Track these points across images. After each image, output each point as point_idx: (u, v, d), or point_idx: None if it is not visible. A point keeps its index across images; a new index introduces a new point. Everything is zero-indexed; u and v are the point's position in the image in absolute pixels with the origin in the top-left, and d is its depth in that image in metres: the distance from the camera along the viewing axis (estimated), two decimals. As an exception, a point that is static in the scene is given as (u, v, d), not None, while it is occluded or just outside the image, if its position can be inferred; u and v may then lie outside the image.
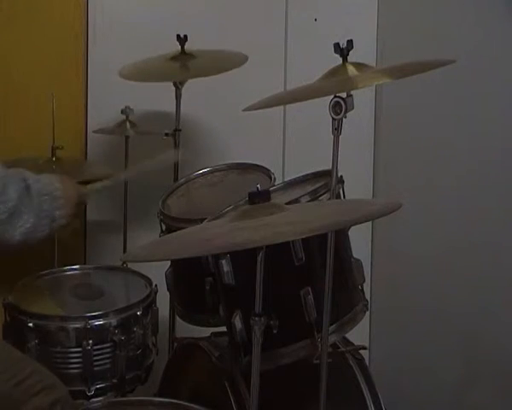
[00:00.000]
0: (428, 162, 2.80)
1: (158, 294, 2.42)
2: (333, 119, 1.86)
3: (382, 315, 2.97)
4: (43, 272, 2.51)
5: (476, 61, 2.55)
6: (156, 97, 2.78)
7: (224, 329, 2.08)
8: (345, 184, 2.05)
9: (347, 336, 2.12)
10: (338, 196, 2.00)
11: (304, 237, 1.71)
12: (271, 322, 1.82)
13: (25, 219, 1.98)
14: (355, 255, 2.05)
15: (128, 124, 2.72)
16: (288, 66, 2.98)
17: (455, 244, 2.71)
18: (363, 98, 2.80)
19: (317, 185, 2.04)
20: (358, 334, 2.13)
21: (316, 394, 1.91)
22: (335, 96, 1.85)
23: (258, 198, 1.64)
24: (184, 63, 2.56)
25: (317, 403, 1.92)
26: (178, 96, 2.64)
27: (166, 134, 2.65)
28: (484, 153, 2.59)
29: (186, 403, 2.01)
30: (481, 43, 2.57)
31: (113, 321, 2.24)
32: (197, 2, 2.94)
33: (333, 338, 1.96)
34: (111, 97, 2.79)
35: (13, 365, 1.97)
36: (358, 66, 1.90)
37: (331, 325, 1.91)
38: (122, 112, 2.71)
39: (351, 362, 2.18)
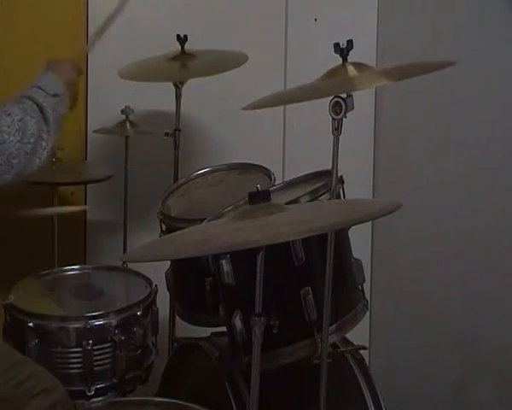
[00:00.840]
0: (428, 162, 2.80)
1: (158, 294, 2.42)
2: (333, 119, 1.86)
3: (382, 315, 2.97)
4: (43, 272, 2.51)
5: (476, 62, 2.55)
6: (156, 97, 2.78)
7: (224, 329, 2.08)
8: (345, 184, 2.05)
9: (347, 336, 2.12)
10: (338, 196, 2.00)
11: (304, 237, 1.71)
12: (271, 322, 1.82)
13: (46, 141, 1.99)
14: (355, 255, 2.04)
15: (128, 124, 2.72)
16: (288, 66, 2.98)
17: (455, 244, 2.71)
18: (363, 98, 2.79)
19: (317, 185, 2.04)
20: (358, 334, 2.13)
21: (316, 394, 1.91)
22: (335, 96, 1.85)
23: (258, 198, 1.64)
24: (184, 63, 2.56)
25: (317, 403, 1.92)
26: (178, 96, 2.64)
27: (166, 134, 2.65)
28: (484, 153, 2.59)
29: (186, 403, 2.01)
30: (481, 43, 2.57)
31: (113, 321, 2.24)
32: (197, 2, 2.94)
33: (333, 338, 1.96)
34: (111, 97, 2.79)
35: (12, 366, 1.97)
36: (358, 66, 1.90)
37: (331, 325, 1.91)
38: (122, 112, 2.71)
39: (351, 362, 2.18)
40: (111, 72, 2.60)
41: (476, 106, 2.60)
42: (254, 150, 2.81)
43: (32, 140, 1.96)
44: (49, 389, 1.95)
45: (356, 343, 2.22)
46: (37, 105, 2.00)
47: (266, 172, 2.40)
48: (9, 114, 1.95)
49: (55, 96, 2.06)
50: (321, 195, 2.01)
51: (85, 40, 2.88)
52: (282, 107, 2.94)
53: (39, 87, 2.05)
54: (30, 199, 2.66)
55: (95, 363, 2.22)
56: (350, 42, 1.88)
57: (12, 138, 1.93)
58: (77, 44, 2.86)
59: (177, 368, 2.33)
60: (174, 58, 2.56)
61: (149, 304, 2.36)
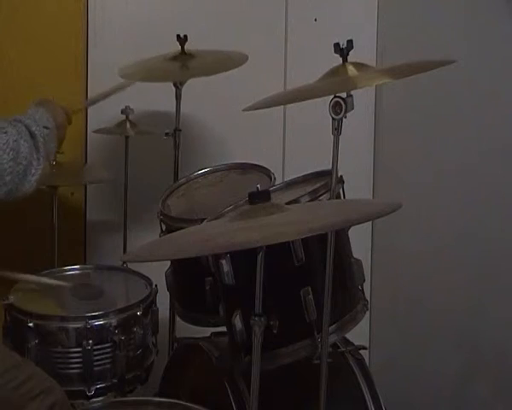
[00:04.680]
0: (428, 162, 2.80)
1: (158, 294, 2.42)
2: (333, 119, 1.86)
3: (382, 315, 2.97)
4: (43, 272, 2.50)
5: (476, 61, 2.55)
6: (156, 97, 2.78)
7: (224, 329, 2.08)
8: (345, 184, 2.05)
9: (347, 336, 2.12)
10: (338, 196, 2.00)
11: (304, 237, 1.71)
12: (271, 322, 1.82)
13: (35, 168, 2.00)
14: (355, 255, 2.04)
15: (128, 124, 2.72)
16: (288, 66, 2.98)
17: (455, 244, 2.71)
18: (363, 98, 2.80)
19: (317, 185, 2.04)
20: (358, 334, 2.13)
21: (316, 394, 1.91)
22: (335, 96, 1.85)
23: (258, 198, 1.64)
24: (184, 63, 2.56)
25: (317, 403, 1.92)
26: (178, 96, 2.64)
27: (166, 134, 2.65)
28: (484, 152, 2.59)
29: (186, 403, 2.01)
30: (481, 43, 2.57)
31: (113, 321, 2.24)
32: (197, 2, 2.94)
33: (333, 338, 1.96)
34: (111, 97, 2.79)
35: (11, 368, 1.97)
36: (358, 66, 1.90)
37: (331, 325, 1.91)
38: (122, 112, 2.71)
39: (351, 362, 2.18)
40: (111, 72, 2.60)
41: (476, 105, 2.60)
42: (254, 150, 2.81)
43: (24, 162, 1.97)
44: (48, 390, 1.95)
45: (356, 343, 2.22)
46: (30, 132, 2.02)
47: (266, 172, 2.40)
48: (6, 132, 1.96)
49: (45, 128, 2.07)
50: (321, 195, 2.01)
51: (85, 40, 2.89)
52: (282, 107, 2.94)
53: (31, 116, 2.08)
54: (30, 199, 2.65)
55: (95, 363, 2.22)
56: (350, 42, 1.88)
57: (6, 156, 1.94)
58: (76, 44, 2.88)
59: (177, 368, 2.32)
60: (174, 58, 2.56)
61: (149, 304, 2.36)
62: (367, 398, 2.14)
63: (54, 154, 2.18)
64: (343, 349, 2.18)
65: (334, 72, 1.91)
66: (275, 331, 1.85)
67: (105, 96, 2.48)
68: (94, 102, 2.58)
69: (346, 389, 2.18)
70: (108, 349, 2.24)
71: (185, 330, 2.52)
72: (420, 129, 2.83)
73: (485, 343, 2.62)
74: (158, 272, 2.34)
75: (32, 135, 2.02)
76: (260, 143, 2.94)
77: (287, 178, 2.38)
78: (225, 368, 2.09)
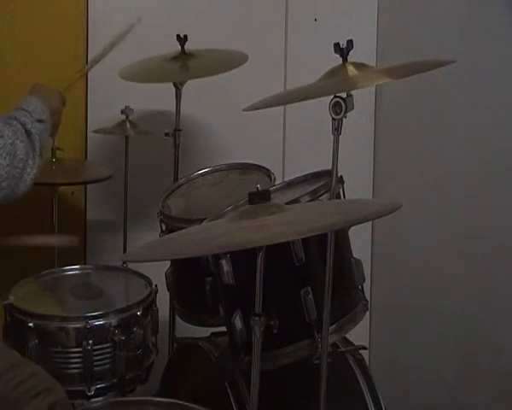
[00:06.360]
0: (428, 162, 2.80)
1: (158, 294, 2.42)
2: (333, 119, 1.86)
3: (382, 315, 2.97)
4: (43, 272, 2.50)
5: (476, 61, 2.55)
6: (156, 97, 2.78)
7: (224, 329, 2.08)
8: (345, 184, 2.05)
9: (347, 336, 2.12)
10: (338, 196, 2.00)
11: (304, 237, 1.71)
12: (271, 322, 1.82)
13: (31, 168, 1.99)
14: (355, 255, 2.04)
15: (128, 124, 2.72)
16: (288, 66, 2.98)
17: (454, 244, 2.71)
18: (363, 98, 2.80)
19: (317, 185, 2.04)
20: (358, 334, 2.13)
21: (316, 394, 1.91)
22: (335, 96, 1.85)
23: (258, 198, 1.64)
24: (184, 63, 2.56)
25: (317, 403, 1.92)
26: (178, 96, 2.64)
27: (166, 134, 2.65)
28: (484, 153, 2.59)
29: (186, 403, 2.01)
30: (481, 43, 2.57)
31: (113, 321, 2.24)
32: (197, 2, 2.94)
33: (333, 338, 1.96)
34: (111, 97, 2.79)
35: (12, 367, 1.96)
36: (358, 66, 1.91)
37: (331, 325, 1.91)
38: (122, 112, 2.71)
39: (351, 362, 2.19)
40: (111, 72, 2.60)
41: (476, 106, 2.61)
42: (254, 150, 2.81)
43: (20, 165, 1.96)
44: (49, 389, 1.95)
45: (356, 343, 2.22)
46: (26, 130, 2.00)
47: (266, 172, 2.40)
48: (2, 136, 1.94)
49: (40, 121, 2.06)
50: (321, 195, 2.01)
51: (85, 40, 2.89)
52: (282, 107, 2.94)
53: (26, 110, 2.05)
54: (30, 199, 2.65)
55: (95, 363, 2.21)
56: (350, 42, 1.88)
57: (2, 161, 1.92)
58: (76, 44, 2.88)
59: (177, 368, 2.33)
60: (174, 58, 2.56)
61: (149, 304, 2.35)
62: (367, 398, 2.14)
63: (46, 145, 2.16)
64: (343, 349, 2.18)
65: (334, 72, 1.91)
66: (275, 331, 1.85)
67: (104, 53, 2.45)
68: (94, 63, 2.54)
69: (346, 389, 2.18)
70: (108, 349, 2.23)
71: (185, 330, 2.52)
72: (420, 129, 2.83)
73: (485, 344, 2.62)
74: (158, 272, 2.34)
75: (28, 133, 2.00)
76: (260, 143, 2.94)
77: (287, 178, 2.38)
78: (225, 368, 2.09)
